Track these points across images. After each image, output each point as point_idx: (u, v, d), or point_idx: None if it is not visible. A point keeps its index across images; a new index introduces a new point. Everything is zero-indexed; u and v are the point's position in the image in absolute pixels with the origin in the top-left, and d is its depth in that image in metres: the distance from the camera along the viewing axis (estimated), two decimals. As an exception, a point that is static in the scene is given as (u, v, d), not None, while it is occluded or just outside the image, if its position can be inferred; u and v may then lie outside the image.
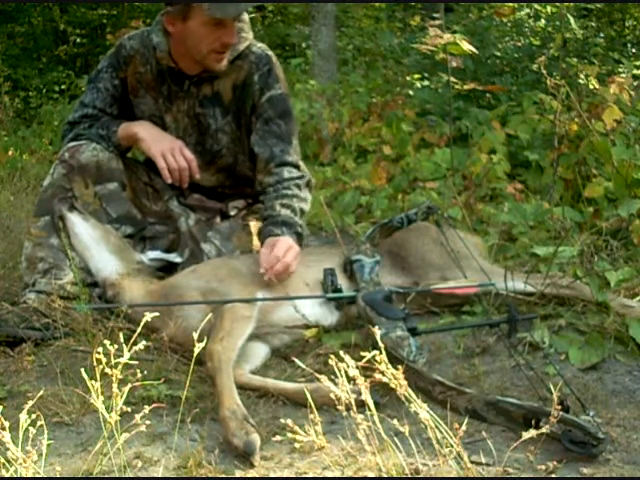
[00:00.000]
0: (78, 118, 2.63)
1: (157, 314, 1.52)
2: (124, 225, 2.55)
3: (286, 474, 1.55)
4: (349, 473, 1.52)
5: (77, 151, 2.50)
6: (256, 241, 2.56)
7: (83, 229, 2.42)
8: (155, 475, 1.56)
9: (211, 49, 2.42)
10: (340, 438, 1.61)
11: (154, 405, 1.52)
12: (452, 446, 1.41)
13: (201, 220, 2.62)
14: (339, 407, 1.45)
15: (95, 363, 1.39)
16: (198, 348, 1.50)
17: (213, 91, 2.56)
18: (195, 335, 1.51)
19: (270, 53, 2.59)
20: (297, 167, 2.53)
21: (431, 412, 1.43)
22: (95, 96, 2.62)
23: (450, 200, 3.25)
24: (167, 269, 2.48)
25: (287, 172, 2.50)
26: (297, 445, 1.49)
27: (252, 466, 1.58)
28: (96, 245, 2.40)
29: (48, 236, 2.44)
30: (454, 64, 3.12)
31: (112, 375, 1.39)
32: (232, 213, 2.68)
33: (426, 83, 5.83)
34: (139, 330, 1.48)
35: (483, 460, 1.54)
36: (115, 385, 1.39)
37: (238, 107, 2.57)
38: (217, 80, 2.55)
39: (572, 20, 4.06)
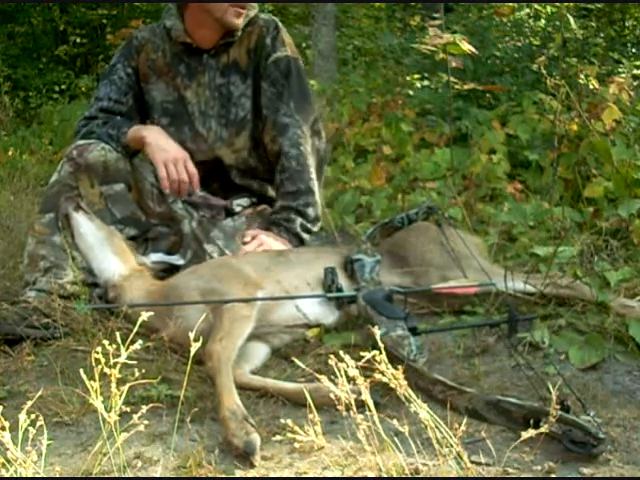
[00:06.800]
0: (94, 112, 2.68)
1: (152, 314, 1.52)
2: (128, 227, 2.56)
3: (286, 474, 1.55)
4: (349, 473, 1.52)
5: (85, 150, 2.50)
6: None
7: (88, 229, 2.42)
8: (155, 475, 1.56)
9: (232, 2, 2.54)
10: (340, 438, 1.61)
11: (152, 405, 1.52)
12: (452, 446, 1.41)
13: (204, 218, 2.63)
14: (339, 407, 1.45)
15: (94, 363, 1.39)
16: (194, 348, 1.50)
17: (231, 59, 2.66)
18: (191, 335, 1.51)
19: (276, 19, 2.72)
20: (299, 127, 2.61)
21: (431, 412, 1.43)
22: (109, 89, 2.69)
23: (450, 200, 3.24)
24: (169, 271, 2.48)
25: (287, 143, 2.59)
26: (297, 445, 1.48)
27: (252, 466, 1.58)
28: (100, 246, 2.40)
29: (51, 233, 2.44)
30: (454, 64, 3.11)
31: (110, 375, 1.39)
32: (237, 210, 2.70)
33: (426, 83, 5.83)
34: (135, 329, 1.48)
35: (483, 460, 1.54)
36: (114, 385, 1.39)
37: (254, 70, 2.67)
38: (232, 48, 2.66)
39: (572, 20, 4.05)
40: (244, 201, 2.74)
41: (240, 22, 2.61)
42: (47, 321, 2.26)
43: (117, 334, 1.52)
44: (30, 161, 5.20)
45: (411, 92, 5.37)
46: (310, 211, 2.60)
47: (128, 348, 1.41)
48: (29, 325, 2.25)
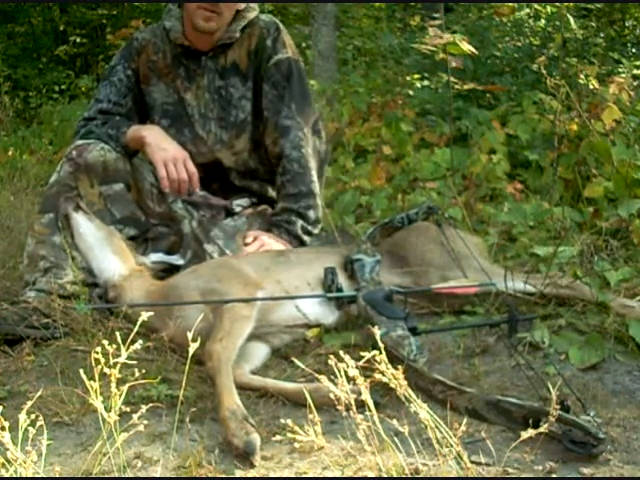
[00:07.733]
0: (93, 114, 2.68)
1: (152, 314, 1.52)
2: (128, 227, 2.56)
3: (286, 474, 1.55)
4: (349, 473, 1.52)
5: (85, 150, 2.50)
6: None
7: (88, 229, 2.42)
8: (155, 475, 1.56)
9: (199, 4, 2.52)
10: (340, 438, 1.61)
11: (152, 405, 1.52)
12: (452, 446, 1.41)
13: (204, 218, 2.63)
14: (339, 407, 1.45)
15: (94, 363, 1.39)
16: (193, 348, 1.50)
17: (230, 61, 2.65)
18: (189, 335, 1.51)
19: (277, 20, 2.70)
20: (300, 129, 2.60)
21: (431, 412, 1.43)
22: (109, 90, 2.69)
23: (450, 200, 3.24)
24: (169, 271, 2.48)
25: (288, 145, 2.58)
26: (297, 445, 1.48)
27: (252, 466, 1.58)
28: (99, 246, 2.40)
29: (51, 234, 2.44)
30: (454, 64, 3.11)
31: (110, 375, 1.39)
32: (237, 210, 2.70)
33: (426, 83, 5.83)
34: (136, 329, 1.48)
35: (483, 460, 1.54)
36: (114, 385, 1.39)
37: (255, 72, 2.66)
38: (231, 50, 2.65)
39: (572, 20, 4.05)
40: (244, 201, 2.75)
41: (211, 26, 2.55)
42: (47, 321, 2.26)
43: (117, 334, 1.52)
44: (30, 161, 5.20)
45: (411, 92, 5.36)
46: (311, 213, 2.60)
47: (128, 348, 1.41)
48: (29, 325, 2.25)
